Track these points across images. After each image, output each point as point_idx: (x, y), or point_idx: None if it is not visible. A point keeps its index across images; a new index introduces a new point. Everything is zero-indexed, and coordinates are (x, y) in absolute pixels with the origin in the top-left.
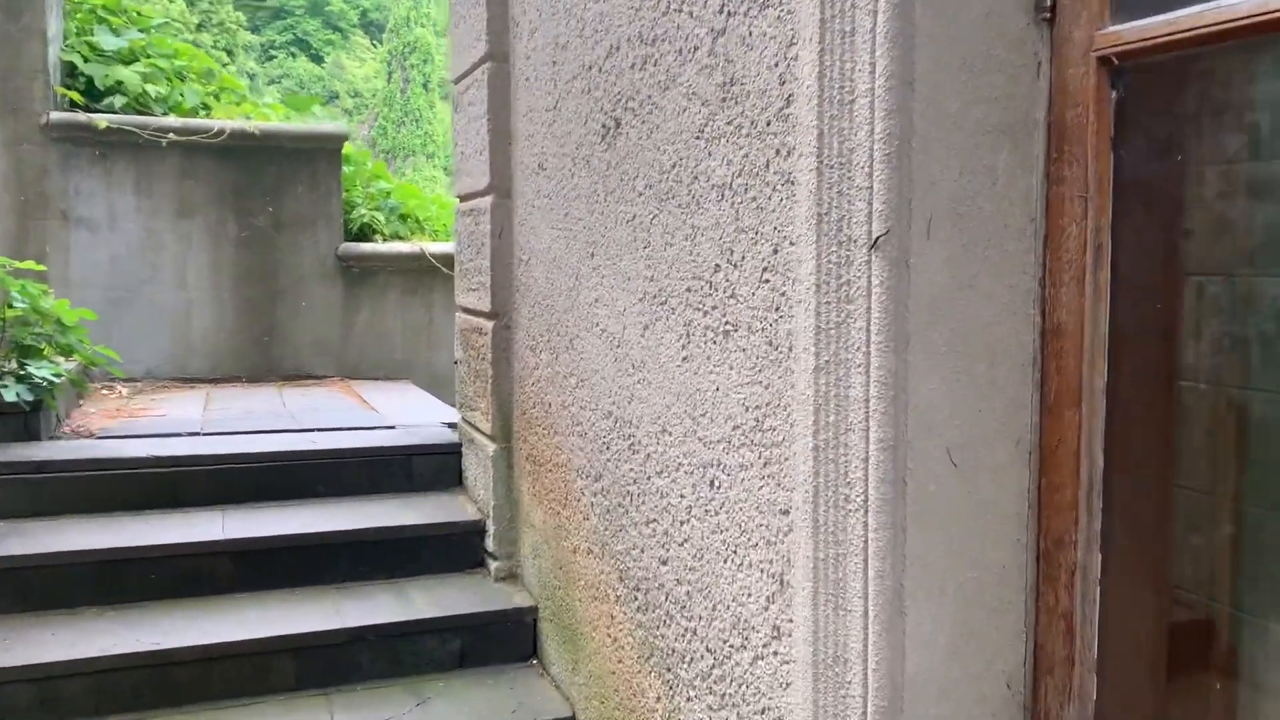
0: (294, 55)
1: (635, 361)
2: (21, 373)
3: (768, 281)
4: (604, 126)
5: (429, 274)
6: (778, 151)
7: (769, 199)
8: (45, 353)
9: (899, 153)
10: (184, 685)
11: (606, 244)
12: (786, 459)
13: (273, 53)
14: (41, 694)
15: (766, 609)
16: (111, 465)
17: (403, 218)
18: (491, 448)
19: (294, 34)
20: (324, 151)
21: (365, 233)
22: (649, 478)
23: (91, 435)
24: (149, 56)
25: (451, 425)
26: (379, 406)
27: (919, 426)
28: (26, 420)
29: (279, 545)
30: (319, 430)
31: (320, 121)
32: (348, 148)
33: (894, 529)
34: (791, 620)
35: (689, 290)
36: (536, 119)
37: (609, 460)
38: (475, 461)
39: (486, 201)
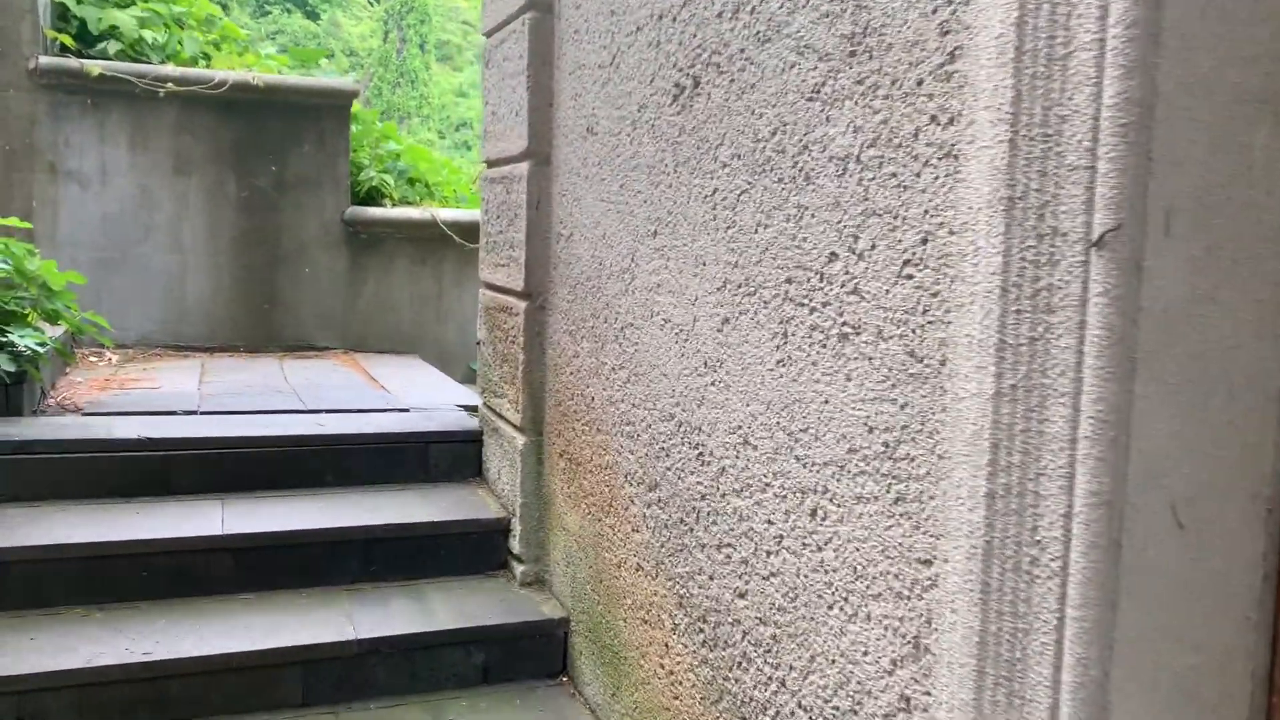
0: (289, 11)
1: (709, 359)
2: (3, 340)
3: (910, 277)
4: (677, 86)
5: (440, 242)
6: (933, 118)
7: (916, 176)
8: (30, 318)
9: (1138, 124)
10: (179, 700)
11: (675, 221)
12: (932, 498)
13: (268, 8)
14: (19, 709)
15: (891, 674)
16: (100, 447)
17: (411, 181)
18: (520, 440)
19: None
20: (332, 108)
21: (373, 197)
22: (723, 495)
23: (78, 410)
24: (146, 0)
25: (468, 408)
26: (388, 384)
27: (1141, 476)
28: (8, 393)
29: (284, 542)
30: (326, 412)
31: (327, 75)
32: (356, 105)
33: (1103, 606)
34: (930, 694)
35: (790, 281)
36: (586, 77)
37: (669, 469)
38: (499, 453)
39: (522, 168)
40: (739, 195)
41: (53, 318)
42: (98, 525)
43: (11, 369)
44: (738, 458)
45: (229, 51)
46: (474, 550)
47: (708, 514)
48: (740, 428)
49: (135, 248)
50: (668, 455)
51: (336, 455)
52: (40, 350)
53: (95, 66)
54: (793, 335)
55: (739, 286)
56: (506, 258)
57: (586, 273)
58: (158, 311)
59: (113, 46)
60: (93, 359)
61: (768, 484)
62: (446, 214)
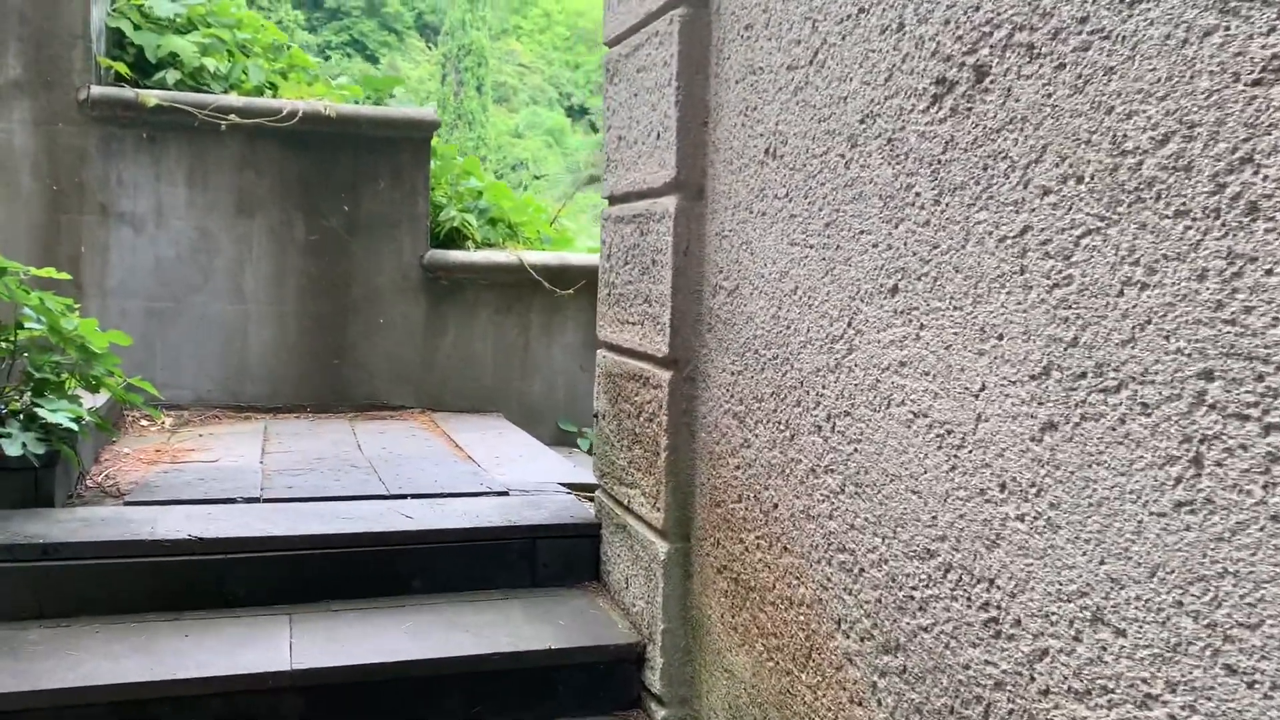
0: (349, 56)
1: (1012, 481)
2: (34, 415)
3: None
4: (939, 83)
5: (526, 289)
6: None
7: None
8: (67, 386)
9: None
10: None
11: (935, 274)
12: None
13: (329, 53)
14: None
15: None
16: (142, 550)
17: (492, 222)
18: (659, 546)
19: (350, 35)
20: (410, 141)
21: (452, 239)
22: (1048, 693)
23: (119, 495)
24: (209, 26)
25: (574, 489)
26: (474, 452)
27: None
28: (38, 479)
29: (368, 678)
30: (411, 497)
31: (404, 106)
32: (435, 139)
33: None
34: None
35: (1209, 377)
36: (764, 84)
37: (926, 630)
38: (627, 556)
39: (666, 204)
40: (1080, 237)
41: (93, 385)
42: (136, 654)
43: (41, 450)
44: (1079, 641)
45: (296, 81)
46: (599, 684)
47: (1013, 714)
48: (1085, 595)
49: (192, 296)
50: (923, 610)
51: (426, 556)
52: (76, 427)
53: (151, 97)
54: (1216, 466)
55: (1080, 376)
56: (640, 314)
57: (763, 337)
58: (216, 367)
59: (172, 76)
60: (144, 423)
61: (1153, 695)
62: (534, 257)
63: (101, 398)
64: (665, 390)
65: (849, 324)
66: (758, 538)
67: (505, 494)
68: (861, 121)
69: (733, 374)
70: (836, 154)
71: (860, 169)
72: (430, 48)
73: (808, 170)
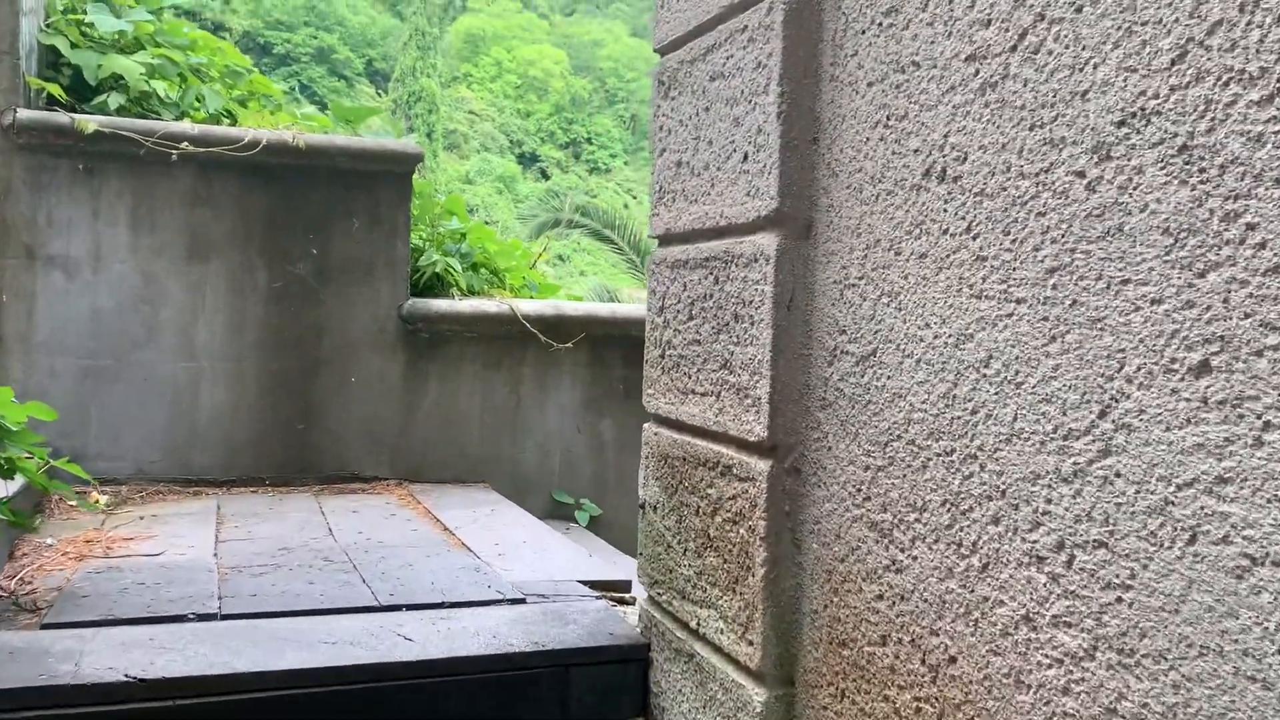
0: (297, 100)
1: None
2: None
3: None
4: None
5: (517, 341)
6: None
7: None
8: None
9: None
10: None
11: None
12: None
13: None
14: None
15: None
16: (60, 698)
17: (475, 267)
18: (753, 692)
19: (299, 80)
20: (390, 176)
21: (433, 286)
22: None
23: (36, 610)
24: (158, 46)
25: (598, 589)
26: (471, 540)
27: None
28: None
29: None
30: (408, 608)
31: (380, 136)
32: (416, 175)
33: None
34: None
35: None
36: (921, 84)
37: None
38: (697, 697)
39: (761, 243)
40: None
41: (5, 470)
42: None
43: None
44: None
45: (257, 109)
46: None
47: None
48: None
49: (135, 353)
50: None
51: (434, 694)
52: None
53: (90, 122)
54: None
55: None
56: (714, 383)
57: (924, 423)
58: (162, 434)
59: (115, 100)
60: (72, 502)
61: None
62: (527, 306)
63: (16, 483)
64: (761, 485)
65: (1102, 414)
66: (918, 700)
67: (521, 601)
68: (1121, 124)
69: (867, 469)
70: (1068, 171)
71: (1120, 192)
72: (380, 94)
73: (1009, 196)
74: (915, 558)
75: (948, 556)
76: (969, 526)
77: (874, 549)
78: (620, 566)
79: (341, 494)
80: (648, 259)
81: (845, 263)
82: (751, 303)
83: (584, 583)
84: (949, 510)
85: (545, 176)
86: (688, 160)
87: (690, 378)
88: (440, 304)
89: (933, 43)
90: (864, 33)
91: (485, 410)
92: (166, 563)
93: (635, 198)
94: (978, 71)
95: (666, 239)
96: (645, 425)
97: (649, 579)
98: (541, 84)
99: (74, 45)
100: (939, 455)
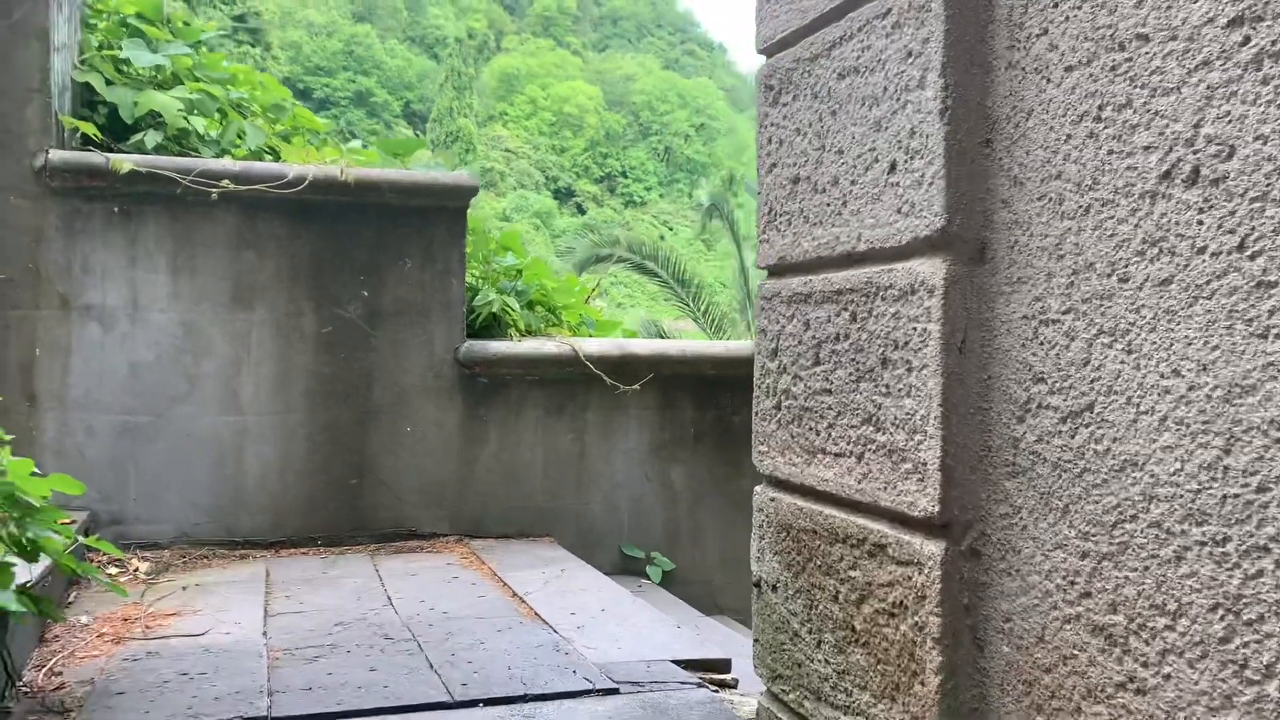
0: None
1: None
2: None
3: None
4: None
5: (581, 385)
6: None
7: None
8: None
9: None
10: None
11: None
12: None
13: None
14: None
15: None
16: None
17: (531, 305)
18: None
19: (338, 124)
20: (443, 212)
21: (489, 327)
22: None
23: (64, 712)
24: (196, 80)
25: (695, 670)
26: (543, 608)
27: None
28: None
29: None
30: (485, 703)
31: (432, 169)
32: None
33: None
34: None
35: None
36: (1148, 64)
37: None
38: None
39: (920, 271)
40: None
41: (30, 553)
42: None
43: None
44: None
45: (301, 145)
46: None
47: None
48: None
49: (176, 407)
50: None
51: None
52: None
53: (125, 162)
54: None
55: None
56: (856, 442)
57: (1174, 499)
58: (205, 495)
59: (152, 138)
60: (111, 570)
61: None
62: (590, 346)
63: (41, 565)
64: (931, 571)
65: None
66: None
67: (614, 691)
68: None
69: (1085, 556)
70: None
71: None
72: (419, 134)
73: None
74: (1168, 677)
75: (1224, 679)
76: (1260, 644)
77: (1099, 660)
78: (710, 637)
79: (399, 554)
80: (756, 293)
81: (1040, 293)
82: (908, 344)
83: (679, 663)
84: (1223, 619)
85: (581, 211)
86: (808, 175)
87: (819, 434)
88: (499, 346)
89: (1169, 8)
90: (1055, 5)
91: (548, 459)
92: (211, 645)
93: (671, 229)
94: (1248, 39)
95: (780, 269)
96: (758, 489)
97: (769, 670)
98: (576, 120)
99: (109, 82)
100: (1202, 545)
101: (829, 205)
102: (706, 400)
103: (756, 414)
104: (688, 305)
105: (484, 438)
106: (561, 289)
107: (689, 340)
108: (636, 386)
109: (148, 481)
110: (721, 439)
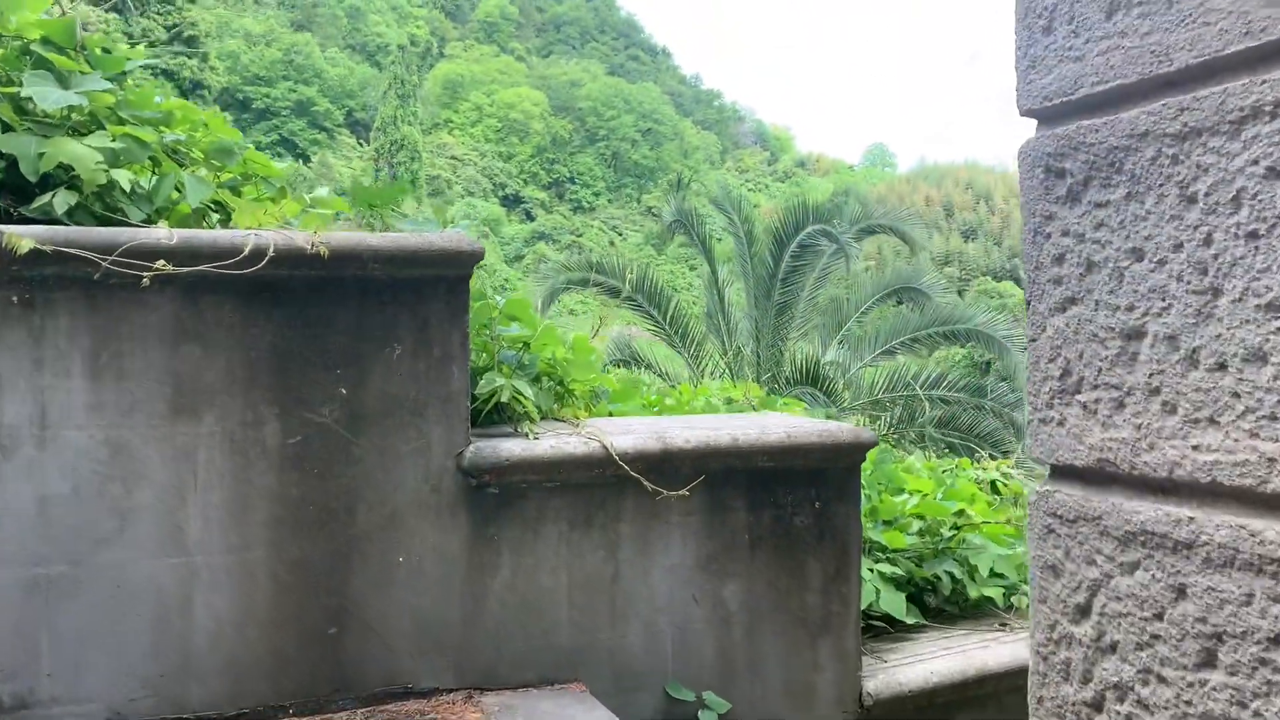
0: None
1: None
2: None
3: None
4: None
5: (612, 489)
6: None
7: None
8: None
9: None
10: None
11: None
12: None
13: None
14: None
15: None
16: None
17: (536, 378)
18: None
19: (280, 134)
20: (440, 284)
21: (500, 417)
22: None
23: None
24: (121, 122)
25: None
26: None
27: None
28: None
29: None
30: None
31: (422, 227)
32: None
33: None
34: None
35: None
36: None
37: None
38: None
39: None
40: None
41: None
42: None
43: None
44: None
45: (255, 196)
46: None
47: None
48: None
49: (102, 552)
50: None
51: None
52: None
53: (25, 240)
54: None
55: None
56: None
57: None
58: (144, 661)
59: (64, 199)
60: None
61: None
62: (623, 441)
63: None
64: None
65: None
66: None
67: None
68: None
69: None
70: None
71: None
72: (362, 144)
73: None
74: None
75: None
76: None
77: None
78: None
79: None
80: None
81: None
82: None
83: None
84: None
85: (530, 218)
86: (1165, 330)
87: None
88: (512, 447)
89: None
90: None
91: (574, 584)
92: None
93: (621, 234)
94: None
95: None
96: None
97: None
98: (522, 126)
99: (7, 128)
100: None
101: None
102: (762, 499)
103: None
104: (664, 330)
105: (495, 563)
106: (579, 362)
107: (741, 428)
108: (685, 492)
109: (67, 649)
110: (781, 545)
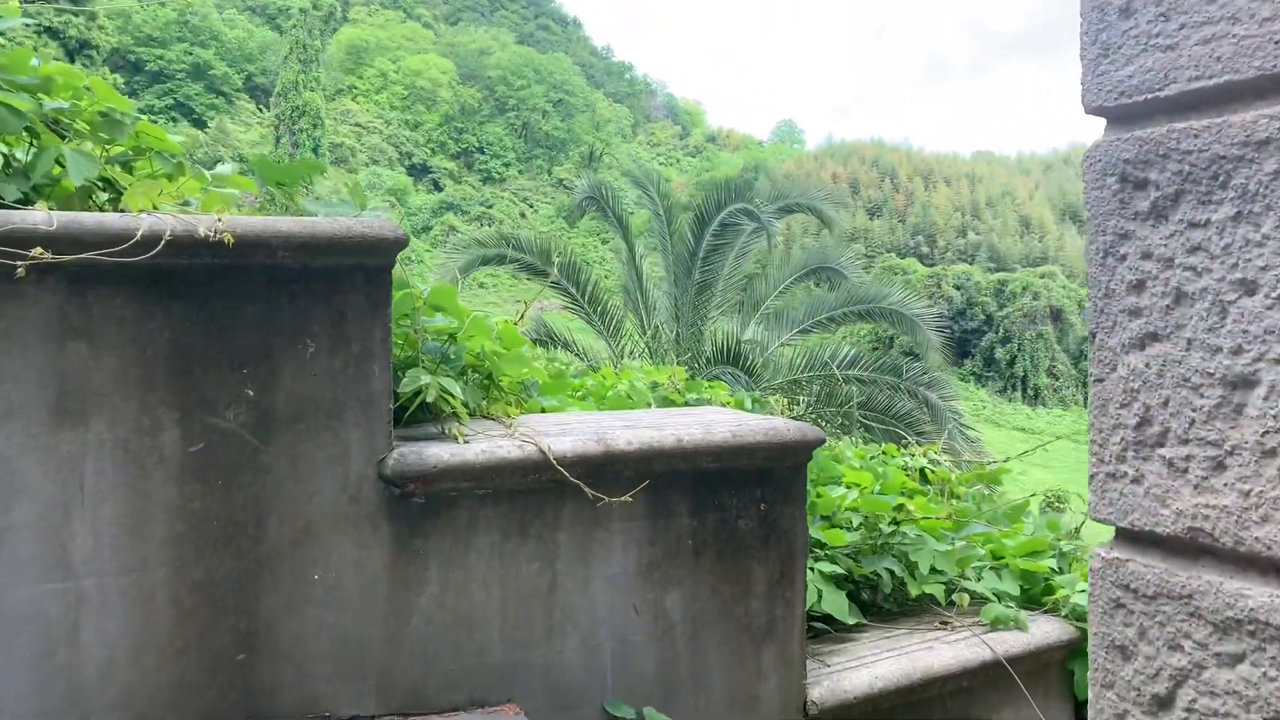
0: (175, 120)
1: None
2: None
3: None
4: None
5: (550, 496)
6: None
7: None
8: None
9: None
10: None
11: None
12: None
13: (152, 118)
14: None
15: None
16: None
17: (462, 371)
18: None
19: (174, 99)
20: (359, 273)
21: (424, 415)
22: None
23: None
24: None
25: None
26: None
27: None
28: None
29: None
30: None
31: (338, 209)
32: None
33: None
34: None
35: None
36: None
37: None
38: None
39: None
40: None
41: None
42: None
43: None
44: None
45: (149, 173)
46: None
47: None
48: None
49: None
50: None
51: None
52: None
53: None
54: None
55: None
56: None
57: None
58: (26, 698)
59: None
60: None
61: None
62: (562, 444)
63: None
64: None
65: None
66: None
67: None
68: None
69: None
70: None
71: None
72: (262, 110)
73: None
74: None
75: None
76: None
77: None
78: None
79: None
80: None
81: None
82: None
83: None
84: None
85: (438, 188)
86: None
87: None
88: (440, 452)
89: None
90: None
91: (508, 598)
92: None
93: (532, 206)
94: None
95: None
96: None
97: None
98: (429, 94)
99: None
100: None
101: None
102: (706, 501)
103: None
104: (583, 308)
105: (421, 578)
106: (509, 356)
107: (685, 428)
108: (628, 499)
109: None
110: (725, 550)
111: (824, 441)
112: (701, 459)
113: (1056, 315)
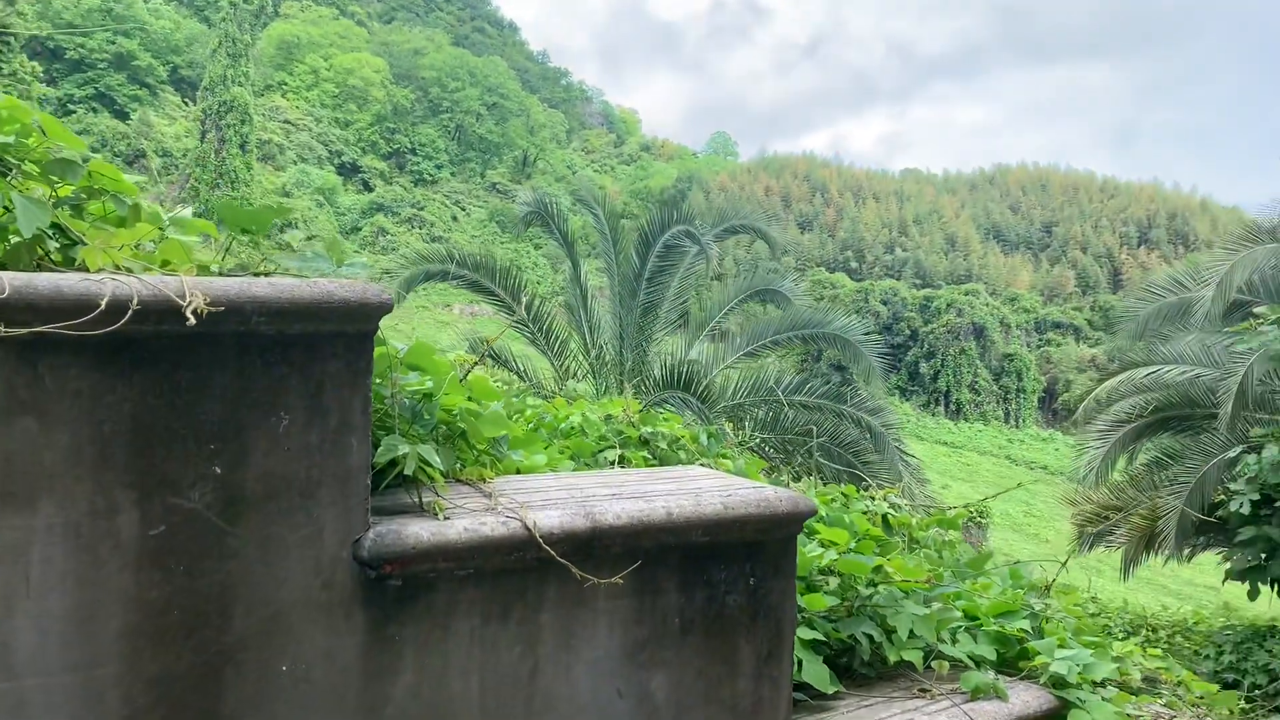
0: (95, 111)
1: None
2: None
3: None
4: None
5: (534, 575)
6: None
7: None
8: None
9: None
10: None
11: None
12: None
13: (71, 107)
14: None
15: None
16: None
17: (435, 428)
18: None
19: (96, 88)
20: (339, 340)
21: (397, 481)
22: None
23: None
24: None
25: None
26: None
27: None
28: None
29: None
30: None
31: (313, 264)
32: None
33: None
34: None
35: None
36: None
37: None
38: None
39: None
40: None
41: None
42: None
43: None
44: None
45: (103, 218)
46: None
47: None
48: None
49: None
50: None
51: None
52: None
53: None
54: None
55: None
56: None
57: None
58: None
59: None
60: None
61: None
62: (549, 520)
63: None
64: None
65: None
66: None
67: None
68: None
69: None
70: None
71: None
72: (188, 103)
73: None
74: None
75: None
76: None
77: None
78: None
79: None
80: None
81: None
82: None
83: None
84: None
85: (368, 188)
86: None
87: None
88: (419, 531)
89: None
90: None
91: (487, 687)
92: None
93: (464, 209)
94: None
95: None
96: None
97: None
98: (361, 93)
99: None
100: None
101: None
102: (695, 577)
103: None
104: (527, 327)
105: (396, 667)
106: (487, 418)
107: (676, 500)
108: (618, 580)
109: None
110: (713, 628)
111: (815, 512)
112: (692, 533)
113: (979, 332)
